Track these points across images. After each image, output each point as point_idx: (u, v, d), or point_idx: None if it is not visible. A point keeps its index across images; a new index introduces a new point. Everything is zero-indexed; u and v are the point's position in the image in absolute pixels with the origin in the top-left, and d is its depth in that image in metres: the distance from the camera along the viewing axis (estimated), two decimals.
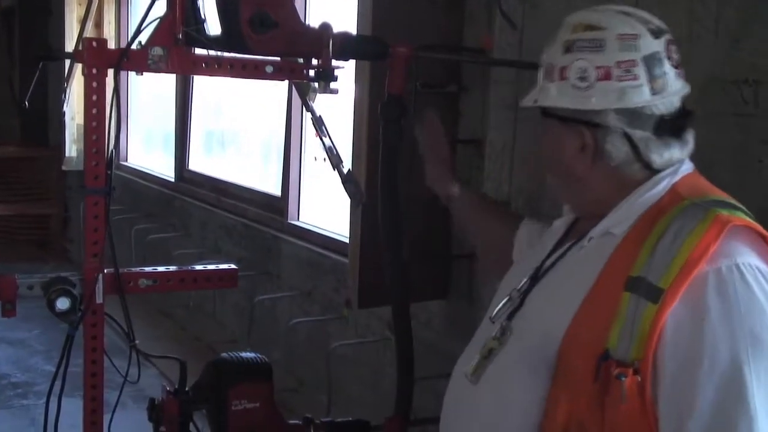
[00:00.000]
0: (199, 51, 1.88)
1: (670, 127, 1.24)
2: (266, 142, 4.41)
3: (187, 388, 1.84)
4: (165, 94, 5.13)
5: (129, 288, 1.89)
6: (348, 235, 2.64)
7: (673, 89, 1.24)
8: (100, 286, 1.80)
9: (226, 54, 1.84)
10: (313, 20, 1.91)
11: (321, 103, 2.02)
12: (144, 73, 1.80)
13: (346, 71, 2.00)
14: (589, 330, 1.16)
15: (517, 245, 1.65)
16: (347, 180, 2.06)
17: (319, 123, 2.03)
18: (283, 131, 3.90)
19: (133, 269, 1.94)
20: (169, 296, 4.78)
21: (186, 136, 4.98)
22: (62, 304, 1.74)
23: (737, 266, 1.10)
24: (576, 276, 1.24)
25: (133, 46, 1.77)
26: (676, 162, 1.26)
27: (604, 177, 1.26)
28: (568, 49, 1.24)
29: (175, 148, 5.04)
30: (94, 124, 1.78)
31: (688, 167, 1.27)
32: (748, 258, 1.11)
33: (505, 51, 2.38)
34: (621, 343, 1.11)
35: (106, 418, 1.95)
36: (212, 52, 1.84)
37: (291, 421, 1.94)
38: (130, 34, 1.78)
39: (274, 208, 4.00)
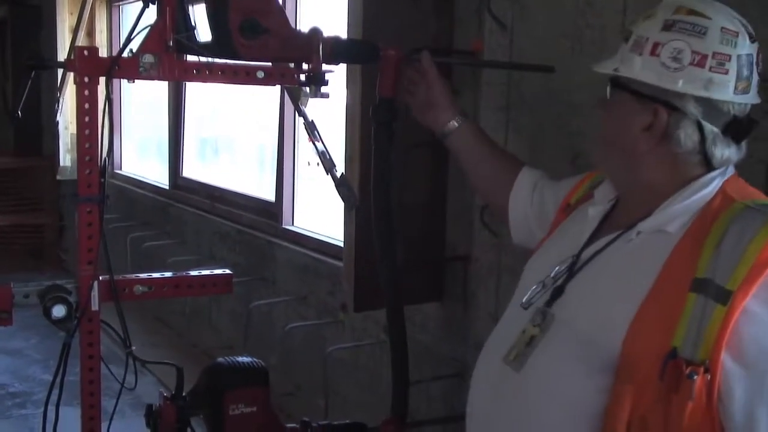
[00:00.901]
0: (190, 58, 1.89)
1: (737, 129, 1.27)
2: (260, 148, 4.41)
3: (184, 394, 1.84)
4: (158, 102, 5.14)
5: (124, 295, 1.89)
6: (342, 239, 2.64)
7: (752, 94, 1.28)
8: (95, 294, 1.80)
9: (216, 60, 1.84)
10: (304, 25, 1.91)
11: (313, 107, 2.03)
12: (135, 80, 1.81)
13: (337, 76, 2.00)
14: (653, 328, 1.17)
15: (516, 189, 1.69)
16: (340, 184, 2.07)
17: (311, 127, 2.04)
18: (276, 137, 3.90)
19: (128, 276, 1.94)
20: (165, 303, 4.78)
21: (179, 143, 4.99)
22: (58, 311, 1.75)
23: None
24: (630, 271, 1.26)
25: (125, 54, 1.78)
26: (729, 163, 1.29)
27: (662, 162, 1.29)
28: (669, 27, 1.25)
29: (169, 155, 5.04)
30: (86, 132, 1.79)
31: (731, 169, 1.31)
32: None
33: (495, 52, 2.39)
34: (687, 342, 1.13)
35: (105, 426, 1.95)
36: (203, 59, 1.84)
37: (288, 425, 1.94)
38: (122, 42, 1.79)
39: (268, 214, 4.01)
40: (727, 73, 1.23)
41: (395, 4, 2.39)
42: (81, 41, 5.39)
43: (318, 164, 2.10)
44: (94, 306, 1.81)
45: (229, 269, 2.21)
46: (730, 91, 1.24)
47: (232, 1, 1.74)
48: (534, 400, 1.30)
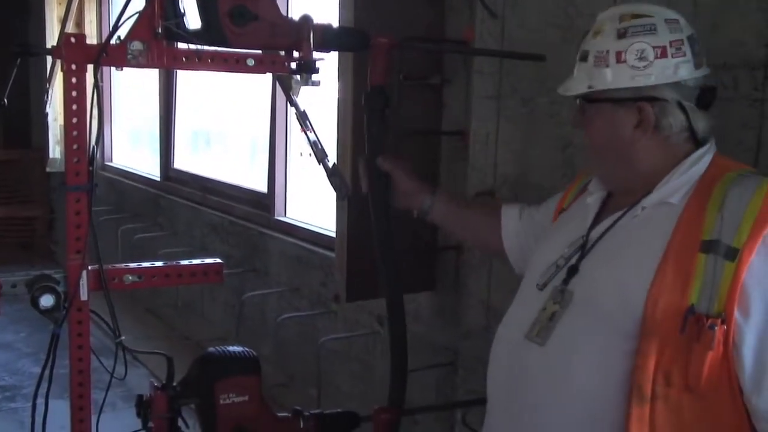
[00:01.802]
0: (180, 46, 1.87)
1: (705, 99, 1.41)
2: (252, 139, 4.40)
3: (174, 384, 1.83)
4: (150, 92, 5.11)
5: (113, 284, 1.87)
6: (335, 230, 2.64)
7: (705, 66, 1.42)
8: (84, 283, 1.79)
9: (206, 48, 1.82)
10: (296, 13, 1.90)
11: (305, 97, 2.02)
12: (124, 68, 1.79)
13: (329, 65, 1.99)
14: (670, 290, 1.29)
15: (504, 226, 1.82)
16: (332, 174, 2.06)
17: (303, 117, 2.02)
18: (268, 128, 3.89)
19: (118, 265, 1.93)
20: (157, 295, 4.77)
21: (171, 134, 4.96)
22: (46, 301, 1.73)
23: None
24: (640, 241, 1.37)
25: (113, 41, 1.76)
26: (710, 131, 1.43)
27: (657, 148, 1.41)
28: (623, 35, 1.38)
29: (160, 146, 5.02)
30: (74, 120, 1.77)
31: (714, 147, 1.44)
32: None
33: (486, 41, 2.38)
34: (703, 299, 1.26)
35: (96, 418, 1.93)
36: (192, 46, 1.82)
37: (280, 414, 1.93)
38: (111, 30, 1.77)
39: (260, 205, 3.99)
40: (685, 55, 1.38)
41: None
42: (70, 31, 5.35)
43: (310, 154, 2.09)
44: (83, 295, 1.79)
45: (221, 260, 2.19)
46: (692, 69, 1.38)
47: None
48: (562, 370, 1.38)
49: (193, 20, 1.80)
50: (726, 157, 1.45)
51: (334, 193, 2.04)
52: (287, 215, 3.87)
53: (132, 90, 5.67)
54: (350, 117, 2.36)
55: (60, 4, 5.57)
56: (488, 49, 2.38)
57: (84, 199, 1.79)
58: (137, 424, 1.89)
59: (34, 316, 1.82)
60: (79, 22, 5.59)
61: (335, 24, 1.95)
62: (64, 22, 5.37)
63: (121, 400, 3.28)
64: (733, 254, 1.25)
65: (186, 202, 4.65)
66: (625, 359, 1.31)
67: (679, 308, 1.27)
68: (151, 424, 1.82)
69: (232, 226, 4.13)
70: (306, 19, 1.83)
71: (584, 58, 1.43)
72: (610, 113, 1.41)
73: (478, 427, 1.75)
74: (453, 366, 2.62)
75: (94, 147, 1.80)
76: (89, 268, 1.82)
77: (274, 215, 3.86)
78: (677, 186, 1.39)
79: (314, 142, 2.02)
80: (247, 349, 1.88)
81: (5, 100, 1.78)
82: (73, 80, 1.75)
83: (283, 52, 1.89)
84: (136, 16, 1.77)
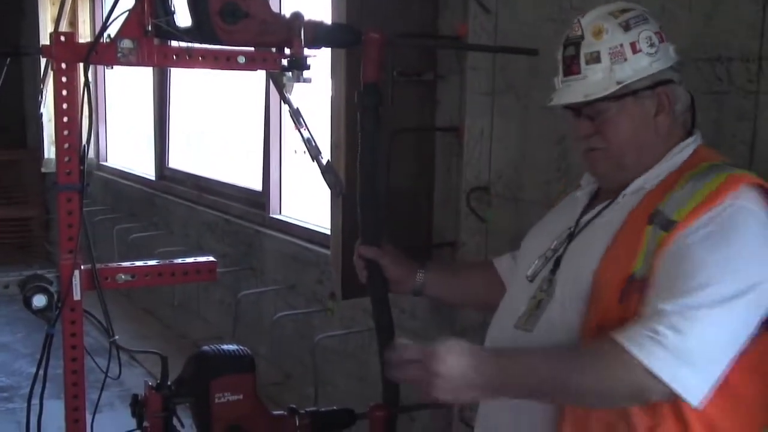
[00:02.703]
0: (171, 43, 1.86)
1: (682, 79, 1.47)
2: (246, 137, 4.38)
3: (169, 383, 1.82)
4: (145, 91, 5.10)
5: (107, 284, 1.86)
6: (330, 228, 2.63)
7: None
8: (77, 283, 1.78)
9: (197, 45, 1.82)
10: (287, 10, 1.89)
11: (298, 95, 2.01)
12: (114, 66, 1.78)
13: (321, 63, 1.98)
14: (618, 261, 1.34)
15: (504, 276, 1.76)
16: (326, 171, 2.05)
17: (296, 115, 2.02)
18: (262, 125, 3.88)
19: (111, 264, 1.92)
20: (153, 295, 4.76)
21: (165, 133, 4.95)
22: (39, 301, 1.72)
23: (743, 207, 1.29)
24: (606, 225, 1.42)
25: (103, 40, 1.75)
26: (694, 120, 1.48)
27: (664, 135, 1.44)
28: (627, 27, 1.41)
29: (155, 146, 5.01)
30: (65, 119, 1.76)
31: (700, 140, 1.47)
32: (753, 206, 1.30)
33: (480, 37, 2.38)
34: (643, 267, 1.31)
35: (92, 418, 1.93)
36: (183, 44, 1.81)
37: (276, 412, 1.93)
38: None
39: (255, 203, 3.98)
40: (667, 38, 1.45)
41: None
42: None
43: (304, 152, 2.08)
44: (76, 295, 1.79)
45: (217, 259, 2.19)
46: (673, 51, 1.45)
47: None
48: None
49: (183, 18, 1.79)
50: (711, 149, 1.47)
51: (329, 191, 2.03)
52: (282, 213, 3.86)
53: (127, 89, 5.65)
54: (343, 114, 2.36)
55: (53, 4, 5.56)
56: (481, 44, 2.37)
57: (76, 198, 1.78)
58: (134, 423, 1.88)
59: (30, 316, 1.82)
60: (73, 22, 5.58)
61: (327, 20, 1.94)
62: (57, 22, 5.36)
63: (118, 399, 3.28)
64: (669, 226, 1.30)
65: (181, 201, 4.64)
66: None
67: (622, 279, 1.31)
68: (146, 424, 1.81)
69: (227, 224, 4.12)
70: (297, 16, 1.82)
71: (595, 59, 1.42)
72: (632, 107, 1.41)
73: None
74: None
75: (85, 146, 1.79)
76: (82, 267, 1.81)
77: (269, 213, 3.86)
78: (657, 173, 1.42)
79: (308, 139, 2.01)
80: (241, 347, 1.87)
81: None
82: (64, 79, 1.74)
83: (274, 50, 1.88)
84: (126, 14, 1.76)
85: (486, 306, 1.90)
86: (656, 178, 1.42)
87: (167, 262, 2.02)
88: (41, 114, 5.52)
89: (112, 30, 1.77)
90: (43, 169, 5.86)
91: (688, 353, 1.23)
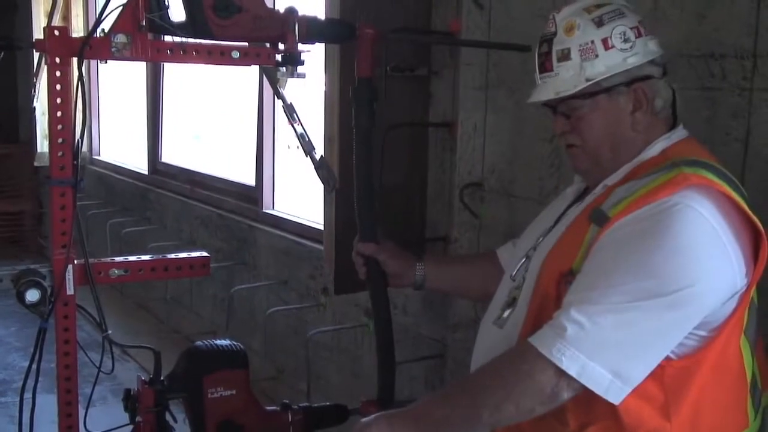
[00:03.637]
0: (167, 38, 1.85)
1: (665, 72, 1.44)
2: (240, 132, 4.38)
3: (162, 378, 1.82)
4: (139, 87, 5.08)
5: (100, 278, 1.87)
6: (323, 223, 2.63)
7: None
8: (70, 277, 1.78)
9: (190, 40, 1.81)
10: (281, 5, 1.89)
11: (292, 90, 2.01)
12: (108, 61, 1.77)
13: (315, 58, 1.98)
14: (560, 257, 1.35)
15: (505, 263, 1.74)
16: (320, 166, 2.06)
17: (290, 110, 2.02)
18: (256, 120, 3.87)
19: (104, 259, 1.92)
20: (146, 290, 4.76)
21: (158, 128, 4.94)
22: (32, 296, 1.72)
23: (687, 207, 1.24)
24: (568, 221, 1.43)
25: (97, 34, 1.74)
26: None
27: (642, 131, 1.41)
28: (600, 23, 1.38)
29: (148, 140, 4.99)
30: (58, 114, 1.76)
31: (682, 133, 1.43)
32: (699, 207, 1.25)
33: (473, 32, 2.38)
34: (579, 262, 1.31)
35: (85, 412, 1.93)
36: (177, 39, 1.81)
37: (269, 407, 1.93)
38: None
39: (248, 198, 3.98)
40: (649, 32, 1.41)
41: None
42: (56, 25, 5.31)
43: (297, 147, 2.09)
44: (69, 290, 1.79)
45: (210, 254, 2.19)
46: (656, 44, 1.42)
47: None
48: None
49: (177, 12, 1.79)
50: (696, 145, 1.43)
51: (322, 186, 2.04)
52: (275, 208, 3.86)
53: (120, 83, 5.63)
54: (337, 109, 2.36)
55: None
56: (475, 40, 2.38)
57: (69, 193, 1.78)
58: (127, 418, 1.88)
59: (24, 310, 1.82)
60: (66, 16, 5.56)
61: (321, 16, 1.94)
62: (50, 16, 5.33)
63: (111, 394, 3.28)
64: (603, 221, 1.29)
65: (174, 195, 4.63)
66: None
67: (561, 274, 1.33)
68: (139, 419, 1.81)
69: (220, 219, 4.12)
70: (291, 11, 1.82)
71: (566, 56, 1.40)
72: (606, 104, 1.39)
73: None
74: (442, 358, 2.63)
75: (79, 141, 1.79)
76: (75, 262, 1.81)
77: (262, 208, 3.85)
78: (624, 170, 1.40)
79: (301, 134, 2.01)
80: (234, 342, 1.88)
81: None
82: (57, 73, 1.74)
83: (268, 45, 1.88)
84: (120, 8, 1.76)
85: (488, 296, 1.94)
86: (619, 174, 1.39)
87: (160, 256, 2.02)
88: (34, 108, 5.50)
89: (106, 24, 1.77)
90: (36, 163, 5.83)
91: (596, 348, 1.21)
